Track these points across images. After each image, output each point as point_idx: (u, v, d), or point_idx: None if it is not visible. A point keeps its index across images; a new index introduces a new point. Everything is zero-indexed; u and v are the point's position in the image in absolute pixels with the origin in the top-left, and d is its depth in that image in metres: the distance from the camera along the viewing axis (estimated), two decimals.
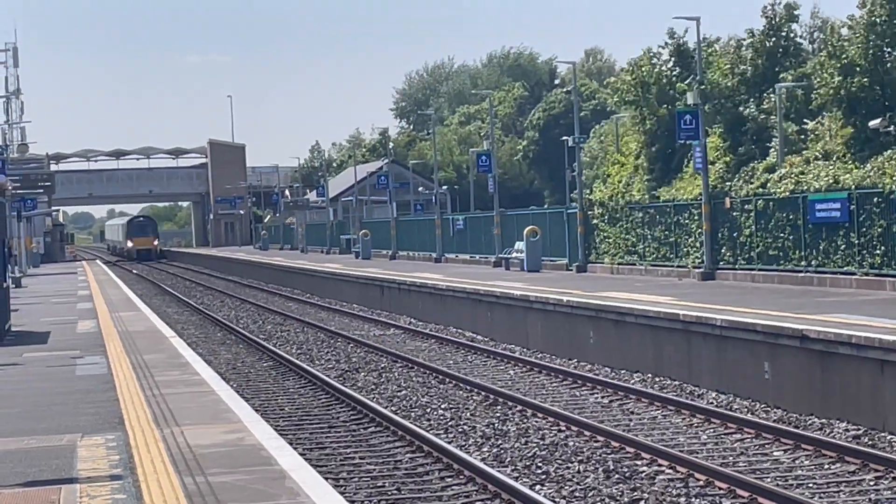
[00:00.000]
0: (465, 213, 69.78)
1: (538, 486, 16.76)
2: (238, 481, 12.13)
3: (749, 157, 39.34)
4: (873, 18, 34.27)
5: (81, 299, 44.95)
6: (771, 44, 41.41)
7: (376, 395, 26.04)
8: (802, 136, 37.98)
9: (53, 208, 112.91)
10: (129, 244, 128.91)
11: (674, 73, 44.81)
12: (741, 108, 40.69)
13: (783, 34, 41.79)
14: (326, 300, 56.16)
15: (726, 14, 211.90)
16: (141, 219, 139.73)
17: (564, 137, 67.56)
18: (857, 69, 34.34)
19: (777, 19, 41.57)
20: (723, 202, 37.89)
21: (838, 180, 33.12)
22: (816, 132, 37.25)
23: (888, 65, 33.94)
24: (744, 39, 42.88)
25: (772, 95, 39.48)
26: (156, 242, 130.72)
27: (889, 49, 33.68)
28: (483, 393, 25.35)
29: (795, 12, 41.94)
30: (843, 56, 34.54)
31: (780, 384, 22.75)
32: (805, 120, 38.43)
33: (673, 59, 45.16)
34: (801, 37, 43.78)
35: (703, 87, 39.82)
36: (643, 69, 45.08)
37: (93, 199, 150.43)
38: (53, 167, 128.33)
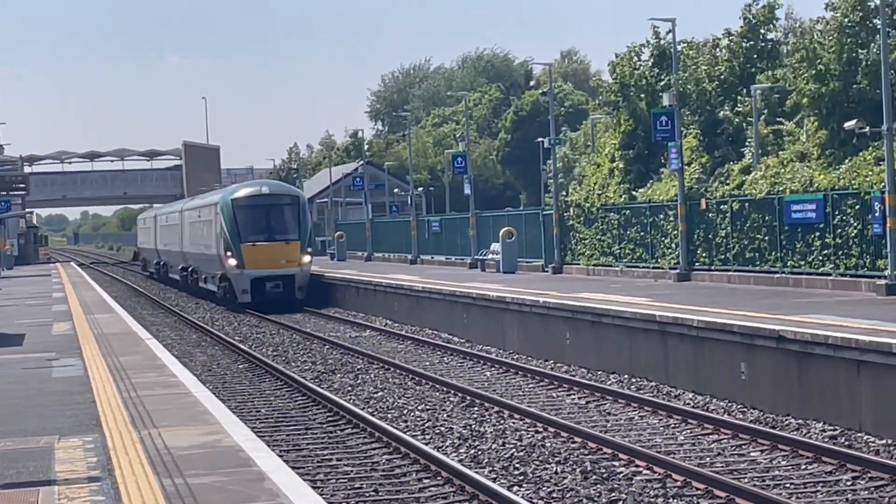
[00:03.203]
0: (440, 215, 69.78)
1: (516, 488, 16.77)
2: (217, 482, 12.10)
3: (724, 159, 39.43)
4: (845, 20, 34.23)
5: (56, 301, 44.74)
6: (748, 46, 41.47)
7: (353, 396, 26.01)
8: (777, 140, 38.04)
9: (27, 210, 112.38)
10: (232, 261, 51.95)
11: (652, 74, 44.72)
12: (717, 110, 40.75)
13: (760, 35, 41.84)
14: None
15: (705, 15, 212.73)
16: (264, 189, 54.44)
17: (539, 139, 67.73)
18: (831, 72, 34.34)
19: (755, 21, 41.59)
20: (698, 203, 37.96)
21: (813, 181, 33.21)
22: (792, 134, 37.35)
23: (861, 65, 33.93)
24: (719, 39, 42.88)
25: (747, 98, 39.55)
26: (307, 258, 52.73)
27: (863, 51, 33.70)
28: (460, 394, 25.35)
29: (776, 11, 41.89)
30: (818, 61, 34.53)
31: (756, 385, 22.80)
32: (780, 120, 38.50)
33: (653, 59, 45.06)
34: (777, 38, 43.67)
35: (685, 84, 39.84)
36: (623, 70, 45.06)
37: (67, 201, 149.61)
38: (27, 169, 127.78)
